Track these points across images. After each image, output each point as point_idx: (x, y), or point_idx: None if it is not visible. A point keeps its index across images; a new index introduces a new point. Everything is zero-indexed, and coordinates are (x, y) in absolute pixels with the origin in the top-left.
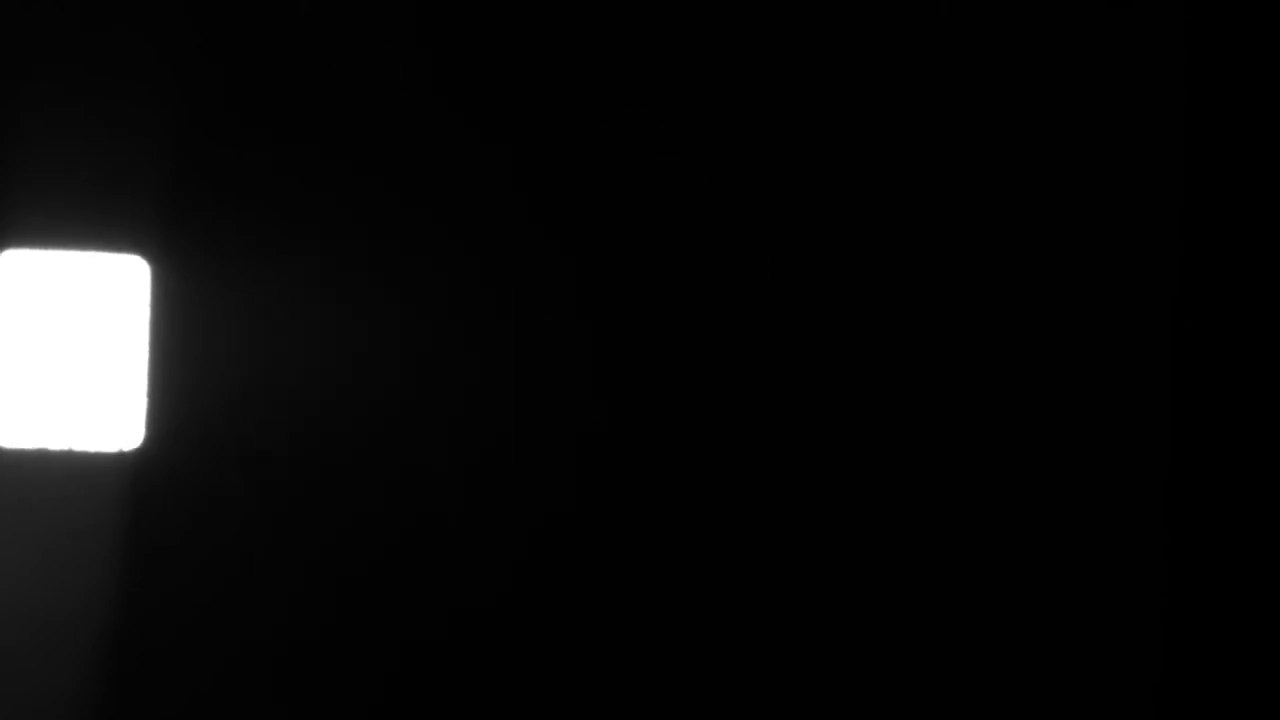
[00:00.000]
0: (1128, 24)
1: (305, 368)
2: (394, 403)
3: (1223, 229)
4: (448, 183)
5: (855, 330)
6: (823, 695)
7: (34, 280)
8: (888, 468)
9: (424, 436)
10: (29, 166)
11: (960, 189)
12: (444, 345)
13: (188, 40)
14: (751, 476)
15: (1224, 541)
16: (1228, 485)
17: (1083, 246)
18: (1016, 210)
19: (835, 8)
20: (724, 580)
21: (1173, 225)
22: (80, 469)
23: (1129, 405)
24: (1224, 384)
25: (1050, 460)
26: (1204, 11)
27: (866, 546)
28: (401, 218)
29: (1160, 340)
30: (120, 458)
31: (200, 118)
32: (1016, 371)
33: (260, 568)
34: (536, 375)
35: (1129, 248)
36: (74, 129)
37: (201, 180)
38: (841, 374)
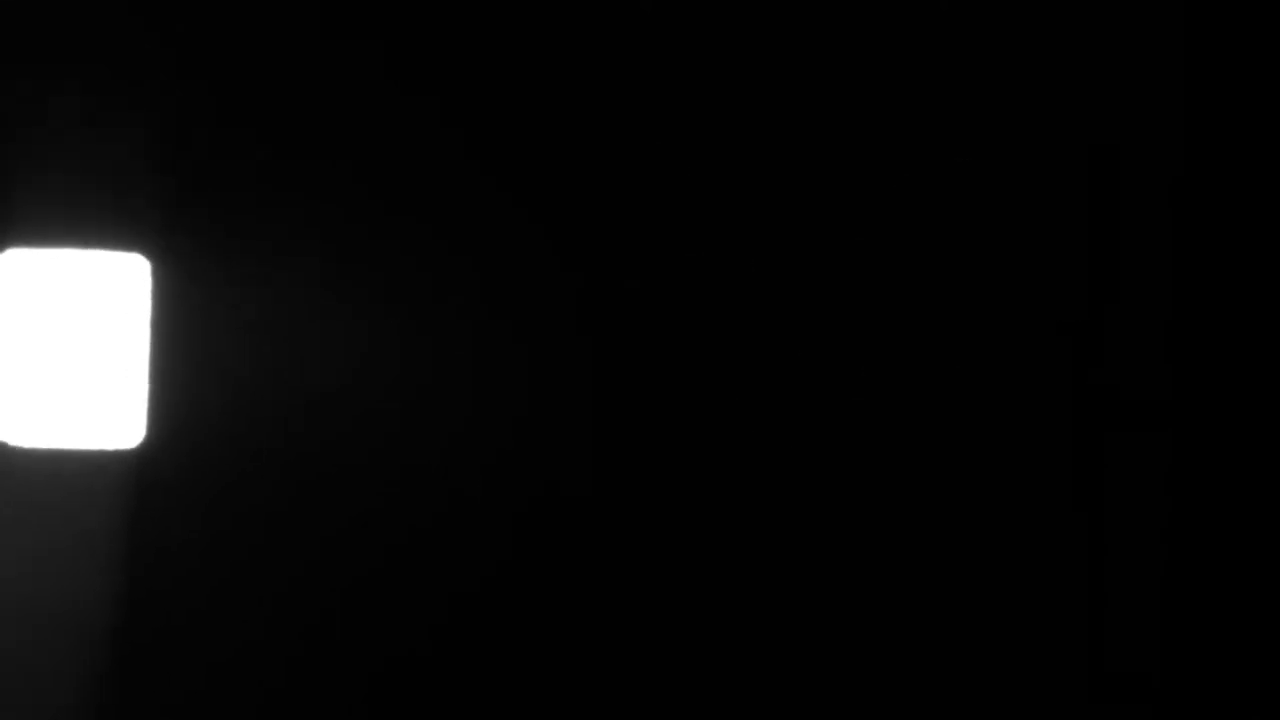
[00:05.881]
0: (1127, 22)
1: (306, 366)
2: (394, 401)
3: (1219, 229)
4: (444, 183)
5: (855, 333)
6: (822, 695)
7: (36, 279)
8: (888, 469)
9: (424, 435)
10: (30, 167)
11: (954, 188)
12: (443, 344)
13: (188, 41)
14: (745, 477)
15: (1223, 542)
16: (1227, 485)
17: (1080, 246)
18: (1014, 209)
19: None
20: (720, 585)
21: (1167, 226)
22: (81, 466)
23: (1129, 405)
24: (1222, 384)
25: (1048, 459)
26: (1203, 12)
27: (865, 547)
28: (399, 217)
29: (1158, 339)
30: (121, 455)
31: (200, 118)
32: (1016, 372)
33: (260, 566)
34: (534, 375)
35: (1127, 248)
36: (74, 129)
37: (202, 179)
38: (842, 376)
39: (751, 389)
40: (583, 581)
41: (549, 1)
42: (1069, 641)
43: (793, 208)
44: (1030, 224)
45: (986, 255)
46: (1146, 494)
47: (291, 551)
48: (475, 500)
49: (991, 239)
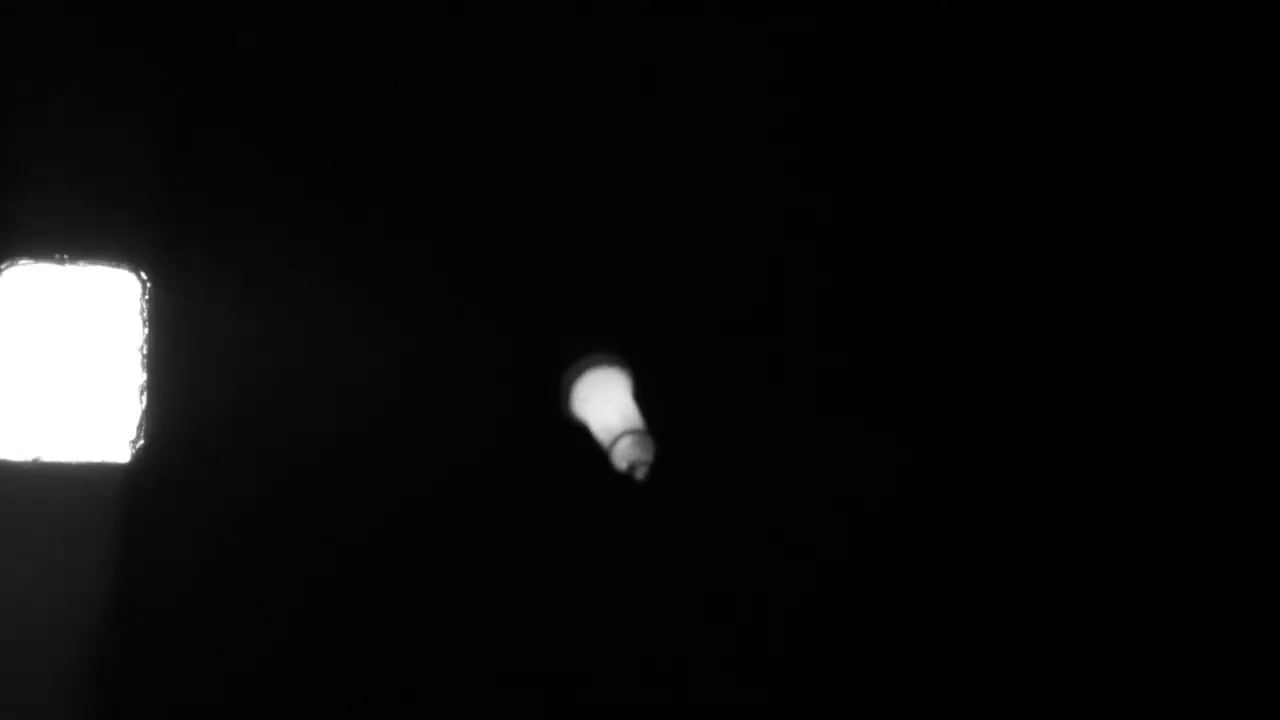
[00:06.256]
0: (1128, 31)
1: (296, 379)
2: (385, 412)
3: (1219, 229)
4: (442, 185)
5: (853, 334)
6: (819, 695)
7: (31, 293)
8: (887, 470)
9: (415, 443)
10: (27, 184)
11: (954, 188)
12: (434, 354)
13: (181, 60)
14: (745, 472)
15: (1223, 542)
16: (1227, 485)
17: (1080, 248)
18: (1015, 213)
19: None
20: (721, 585)
21: (1166, 228)
22: (75, 478)
23: (1129, 406)
24: (1222, 384)
25: (1048, 459)
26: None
27: (864, 547)
28: (391, 230)
29: (1157, 341)
30: (114, 467)
31: (193, 136)
32: (1016, 373)
33: (255, 573)
34: (528, 374)
35: (1126, 249)
36: (70, 147)
37: (195, 196)
38: (840, 377)
39: (746, 387)
40: (581, 581)
41: (546, 3)
42: (1070, 641)
43: (790, 208)
44: (1030, 224)
45: (987, 255)
46: (1146, 494)
47: (287, 558)
48: (474, 501)
49: (991, 239)
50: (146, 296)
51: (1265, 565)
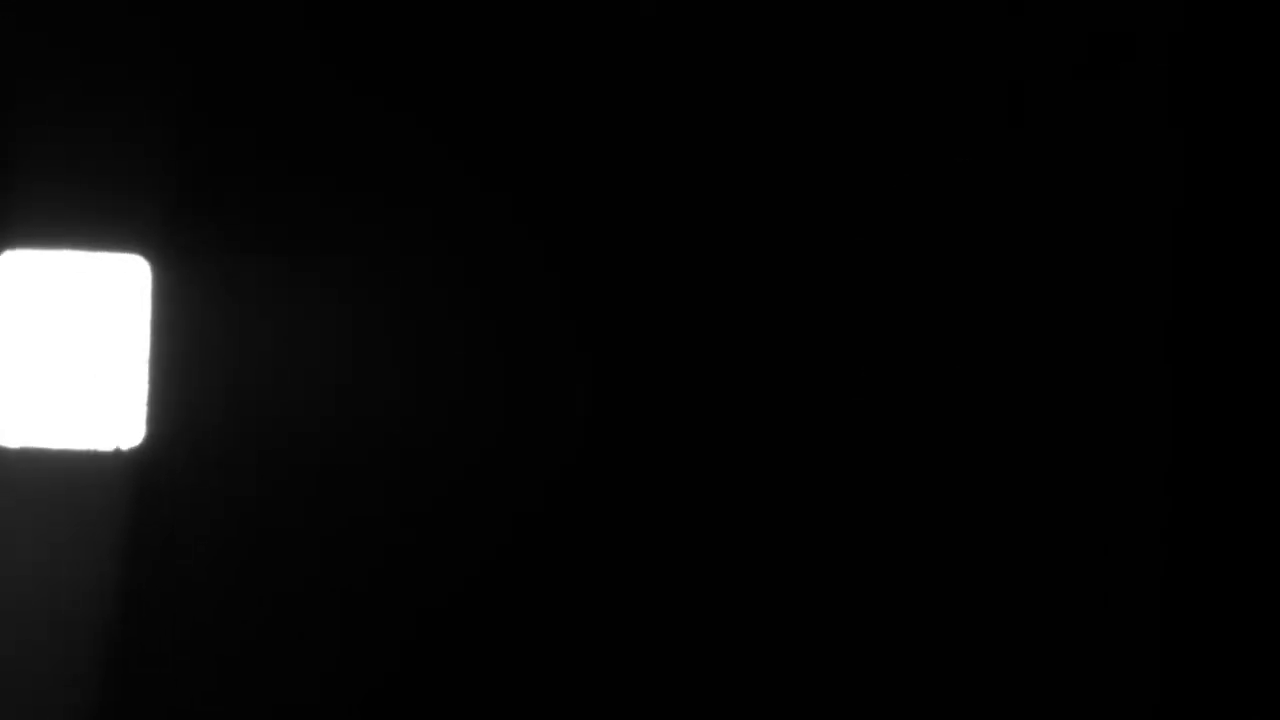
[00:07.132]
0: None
1: (303, 367)
2: (391, 402)
3: (1218, 232)
4: (440, 185)
5: (853, 334)
6: (818, 696)
7: (35, 280)
8: (887, 470)
9: (421, 435)
10: (31, 168)
11: (953, 188)
12: (440, 344)
13: (188, 44)
14: (745, 474)
15: (1223, 542)
16: (1227, 485)
17: (1080, 248)
18: (1016, 213)
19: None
20: (713, 579)
21: (1167, 229)
22: (80, 468)
23: (1129, 406)
24: (1222, 384)
25: (1048, 459)
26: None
27: (865, 548)
28: (396, 219)
29: (1157, 342)
30: (119, 456)
31: (200, 119)
32: (1016, 372)
33: (261, 565)
34: (528, 374)
35: (1126, 249)
36: (75, 131)
37: (201, 181)
38: (841, 377)
39: (737, 386)
40: (578, 581)
41: (545, 2)
42: (1070, 642)
43: (783, 208)
44: (1030, 224)
45: (986, 256)
46: (1146, 494)
47: (291, 551)
48: (474, 500)
49: (991, 239)
50: (150, 291)
51: (1265, 565)
